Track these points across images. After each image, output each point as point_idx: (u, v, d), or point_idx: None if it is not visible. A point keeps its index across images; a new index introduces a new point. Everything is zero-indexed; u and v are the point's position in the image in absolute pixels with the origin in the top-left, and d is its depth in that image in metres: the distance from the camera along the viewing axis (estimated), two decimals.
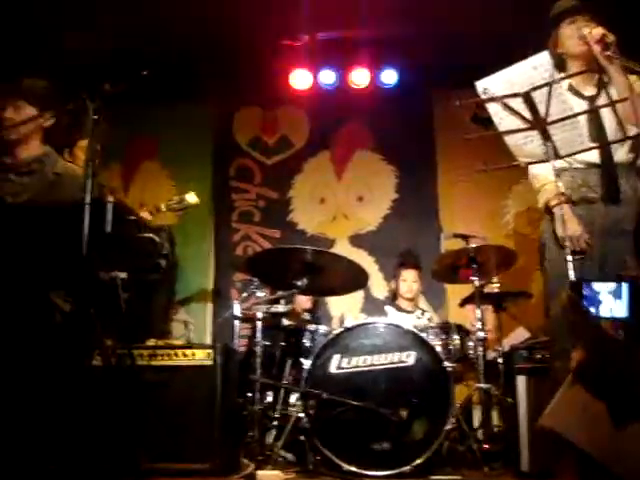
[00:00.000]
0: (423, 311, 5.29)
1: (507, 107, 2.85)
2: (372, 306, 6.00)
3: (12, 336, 2.47)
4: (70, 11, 5.27)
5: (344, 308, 6.07)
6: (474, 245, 4.27)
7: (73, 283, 2.17)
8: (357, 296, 6.12)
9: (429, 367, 3.74)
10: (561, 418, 2.36)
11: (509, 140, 2.94)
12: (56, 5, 5.20)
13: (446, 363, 3.76)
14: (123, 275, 3.63)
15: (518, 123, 2.87)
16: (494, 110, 2.89)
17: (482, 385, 3.96)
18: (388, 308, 5.19)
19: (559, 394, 2.41)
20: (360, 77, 6.37)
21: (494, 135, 2.95)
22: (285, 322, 5.03)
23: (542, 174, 3.31)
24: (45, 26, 5.43)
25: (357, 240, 6.44)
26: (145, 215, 4.21)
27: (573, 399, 2.36)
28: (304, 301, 5.39)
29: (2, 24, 5.17)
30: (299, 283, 4.01)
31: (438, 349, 3.89)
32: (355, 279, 4.23)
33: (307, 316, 5.10)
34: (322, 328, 4.20)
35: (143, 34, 5.64)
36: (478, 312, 4.14)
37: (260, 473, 3.45)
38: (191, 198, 4.48)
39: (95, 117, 2.35)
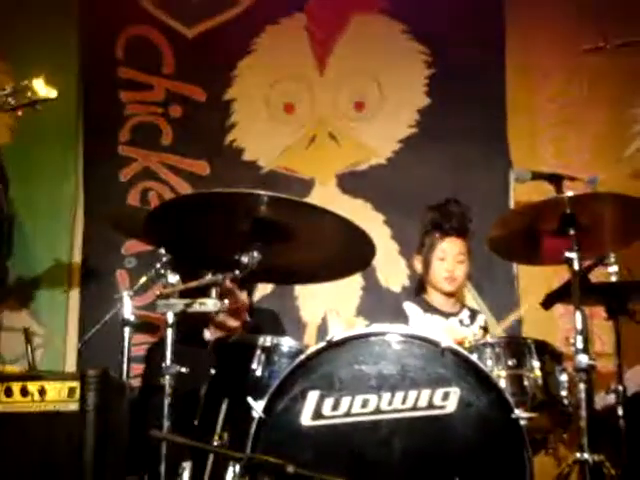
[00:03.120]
0: (474, 312, 5.27)
1: None
2: (379, 303, 6.06)
3: None
4: None
5: (328, 307, 6.15)
6: (572, 193, 4.18)
7: None
8: (352, 285, 6.15)
9: (486, 418, 3.67)
10: None
11: None
12: None
13: (517, 412, 3.67)
14: None
15: None
16: None
17: (586, 455, 3.91)
18: (409, 306, 5.15)
19: None
20: None
21: None
22: (217, 332, 4.96)
23: None
24: None
25: (352, 181, 6.45)
26: None
27: None
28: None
29: None
30: (245, 259, 3.91)
31: (502, 385, 3.89)
32: (348, 253, 4.18)
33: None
34: (287, 343, 4.19)
35: None
36: (579, 318, 4.05)
37: None
38: (40, 87, 4.44)
39: None
